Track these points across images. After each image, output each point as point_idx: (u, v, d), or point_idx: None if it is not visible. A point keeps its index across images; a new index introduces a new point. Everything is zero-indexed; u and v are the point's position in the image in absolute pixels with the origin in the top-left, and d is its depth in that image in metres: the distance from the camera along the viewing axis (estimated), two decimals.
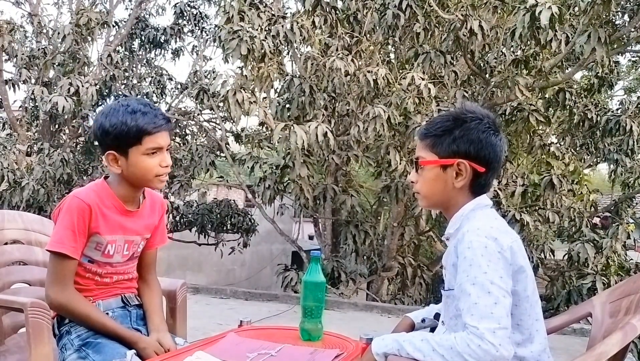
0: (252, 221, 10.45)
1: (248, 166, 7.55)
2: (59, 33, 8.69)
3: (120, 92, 9.80)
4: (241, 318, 1.91)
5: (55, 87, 8.60)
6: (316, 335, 1.76)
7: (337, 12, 7.32)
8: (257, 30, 6.69)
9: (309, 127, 6.19)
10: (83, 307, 1.83)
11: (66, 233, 1.79)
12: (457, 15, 6.71)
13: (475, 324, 1.38)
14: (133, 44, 11.16)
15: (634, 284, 1.68)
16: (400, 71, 7.02)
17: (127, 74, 10.50)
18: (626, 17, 7.94)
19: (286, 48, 7.41)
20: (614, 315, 1.69)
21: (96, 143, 1.96)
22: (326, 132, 6.21)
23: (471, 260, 1.45)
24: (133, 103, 1.85)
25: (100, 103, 9.54)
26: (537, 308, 1.59)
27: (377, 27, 7.10)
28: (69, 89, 7.98)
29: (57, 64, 9.07)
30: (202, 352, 1.59)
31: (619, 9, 7.56)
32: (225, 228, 10.38)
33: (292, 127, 6.15)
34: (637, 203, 10.31)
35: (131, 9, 11.15)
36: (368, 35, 7.37)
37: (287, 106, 7.08)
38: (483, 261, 1.44)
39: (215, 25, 9.52)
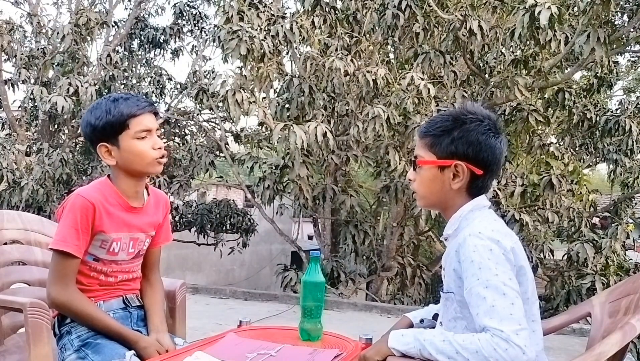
0: (252, 221, 10.45)
1: (247, 166, 7.56)
2: (58, 33, 8.70)
3: (119, 92, 9.78)
4: (240, 318, 1.91)
5: (54, 87, 8.60)
6: (315, 335, 1.76)
7: (337, 12, 7.32)
8: (256, 30, 6.69)
9: (308, 127, 6.19)
10: (84, 306, 1.83)
11: (69, 231, 1.79)
12: (456, 16, 6.71)
13: (497, 326, 1.36)
14: (132, 44, 11.15)
15: (633, 284, 1.68)
16: (400, 71, 7.02)
17: (126, 74, 10.49)
18: (625, 17, 7.95)
19: (285, 48, 7.41)
20: (613, 315, 1.69)
21: (89, 143, 1.96)
22: (325, 132, 6.21)
23: (480, 263, 1.44)
24: (115, 94, 1.91)
25: None
26: (535, 308, 1.58)
27: (377, 27, 7.10)
28: (68, 89, 7.97)
29: (56, 64, 9.08)
30: (201, 352, 1.59)
31: (618, 9, 7.57)
32: (224, 228, 10.38)
33: (291, 127, 6.15)
34: (636, 203, 10.31)
35: (130, 9, 11.14)
36: (367, 35, 7.37)
37: (287, 106, 7.08)
38: (491, 263, 1.43)
39: (215, 25, 9.50)
